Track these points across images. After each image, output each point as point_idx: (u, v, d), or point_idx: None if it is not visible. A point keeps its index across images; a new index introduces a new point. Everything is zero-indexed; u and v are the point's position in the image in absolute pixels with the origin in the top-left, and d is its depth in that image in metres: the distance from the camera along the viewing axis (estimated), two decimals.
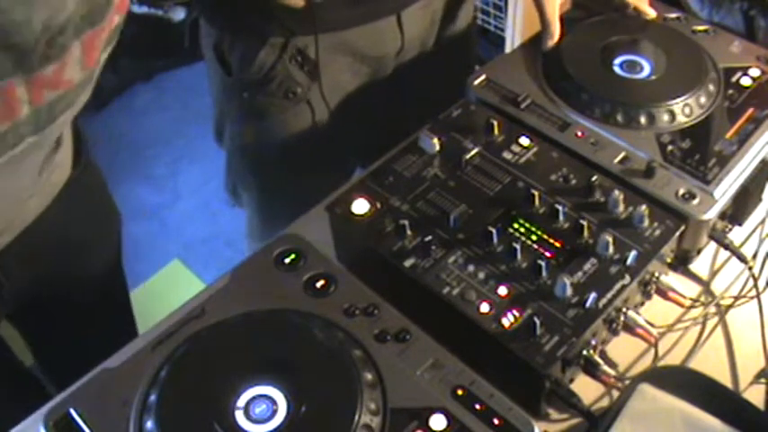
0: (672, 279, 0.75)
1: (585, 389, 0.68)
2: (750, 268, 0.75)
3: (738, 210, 0.79)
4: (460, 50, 1.15)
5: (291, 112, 1.03)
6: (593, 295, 0.66)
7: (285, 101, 1.01)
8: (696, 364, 0.71)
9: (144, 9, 2.25)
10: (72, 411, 0.60)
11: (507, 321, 0.65)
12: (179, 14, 2.27)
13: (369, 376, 0.60)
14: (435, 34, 1.08)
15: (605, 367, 0.67)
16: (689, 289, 0.77)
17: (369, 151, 0.93)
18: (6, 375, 0.98)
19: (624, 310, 0.69)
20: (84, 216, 0.93)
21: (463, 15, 1.12)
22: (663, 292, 0.75)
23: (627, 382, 0.68)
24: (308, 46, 0.96)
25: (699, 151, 0.78)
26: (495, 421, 0.58)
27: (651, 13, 0.93)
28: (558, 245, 0.70)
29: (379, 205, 0.74)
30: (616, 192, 0.73)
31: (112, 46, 0.71)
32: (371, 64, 1.04)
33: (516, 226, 0.72)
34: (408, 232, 0.71)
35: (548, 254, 0.70)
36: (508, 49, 1.81)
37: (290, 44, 0.96)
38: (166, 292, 1.23)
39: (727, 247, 0.76)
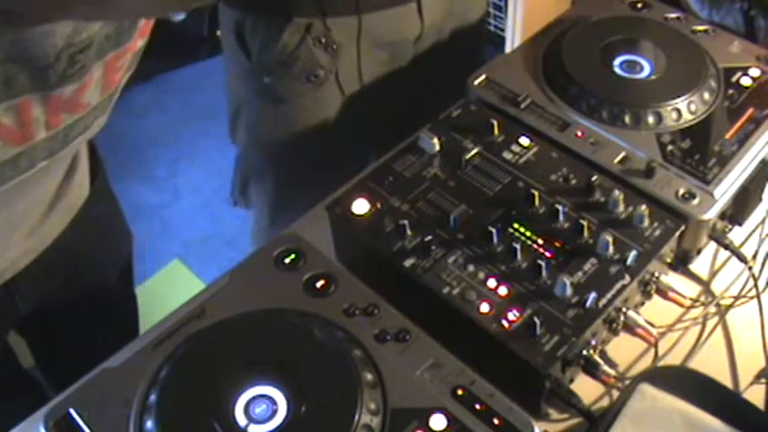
0: (672, 279, 0.74)
1: (585, 389, 0.68)
2: (750, 268, 0.75)
3: (738, 210, 0.79)
4: (472, 44, 1.16)
5: (311, 97, 1.03)
6: (593, 295, 0.66)
7: (306, 84, 1.01)
8: (696, 364, 0.71)
9: None
10: (72, 411, 0.60)
11: (507, 321, 0.65)
12: (179, 14, 2.27)
13: (369, 376, 0.60)
14: (451, 25, 1.09)
15: (605, 367, 0.67)
16: (689, 289, 0.77)
17: (383, 147, 0.93)
18: (7, 377, 0.98)
19: (624, 310, 0.69)
20: (99, 236, 0.92)
21: (477, 8, 1.12)
22: (663, 292, 0.75)
23: (627, 382, 0.68)
24: (332, 28, 0.96)
25: (699, 151, 0.78)
26: (495, 421, 0.58)
27: None
28: (558, 245, 0.70)
29: (379, 205, 0.74)
30: (616, 192, 0.73)
31: (131, 72, 0.69)
32: (390, 50, 1.04)
33: (516, 226, 0.72)
34: (408, 232, 0.71)
35: (548, 254, 0.70)
36: (508, 49, 1.81)
37: (316, 25, 0.95)
38: (166, 292, 1.23)
39: (727, 247, 0.76)
